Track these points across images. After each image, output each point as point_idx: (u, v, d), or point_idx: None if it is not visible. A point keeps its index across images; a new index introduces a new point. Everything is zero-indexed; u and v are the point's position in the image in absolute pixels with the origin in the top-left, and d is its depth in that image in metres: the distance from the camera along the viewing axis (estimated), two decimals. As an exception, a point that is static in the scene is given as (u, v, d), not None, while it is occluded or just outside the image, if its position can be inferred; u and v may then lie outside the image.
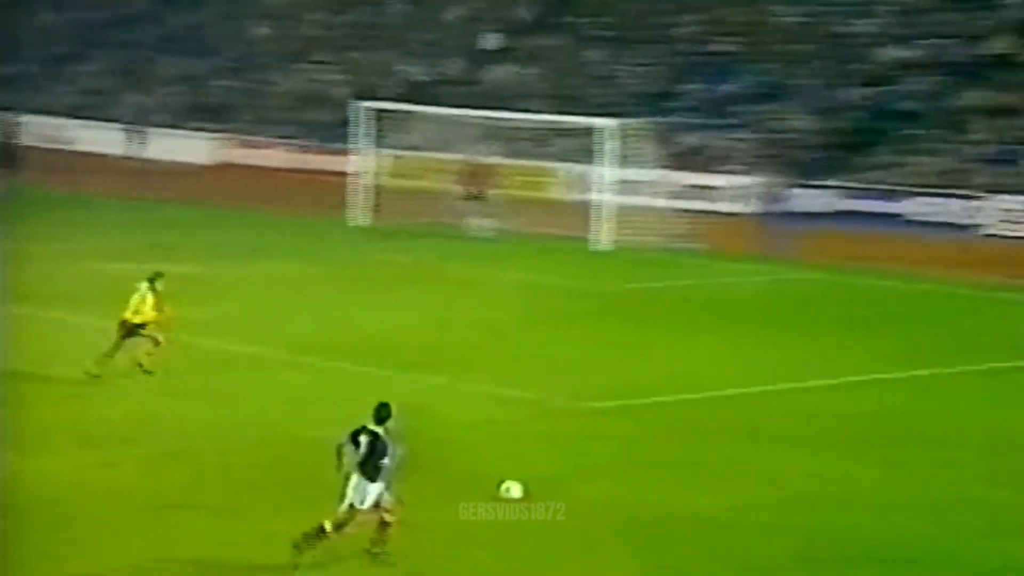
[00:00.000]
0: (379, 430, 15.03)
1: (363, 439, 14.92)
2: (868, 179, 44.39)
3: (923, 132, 45.05)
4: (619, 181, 41.03)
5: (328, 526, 14.90)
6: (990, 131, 44.00)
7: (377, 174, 43.74)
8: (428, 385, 22.47)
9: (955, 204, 41.74)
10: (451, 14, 60.47)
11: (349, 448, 14.93)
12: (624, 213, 39.01)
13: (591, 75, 53.59)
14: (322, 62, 60.99)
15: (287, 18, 64.19)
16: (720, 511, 17.54)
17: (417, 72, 57.72)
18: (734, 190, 45.47)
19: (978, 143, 43.84)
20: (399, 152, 47.55)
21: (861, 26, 49.63)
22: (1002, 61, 45.95)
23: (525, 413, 21.85)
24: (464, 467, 19.00)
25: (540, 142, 48.42)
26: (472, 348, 25.88)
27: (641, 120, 44.19)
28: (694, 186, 45.44)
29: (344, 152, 48.39)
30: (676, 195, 43.69)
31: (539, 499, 17.50)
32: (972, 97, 45.28)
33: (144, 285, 22.34)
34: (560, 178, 48.31)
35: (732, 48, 51.56)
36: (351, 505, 14.89)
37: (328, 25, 62.91)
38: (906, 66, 47.40)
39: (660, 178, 44.88)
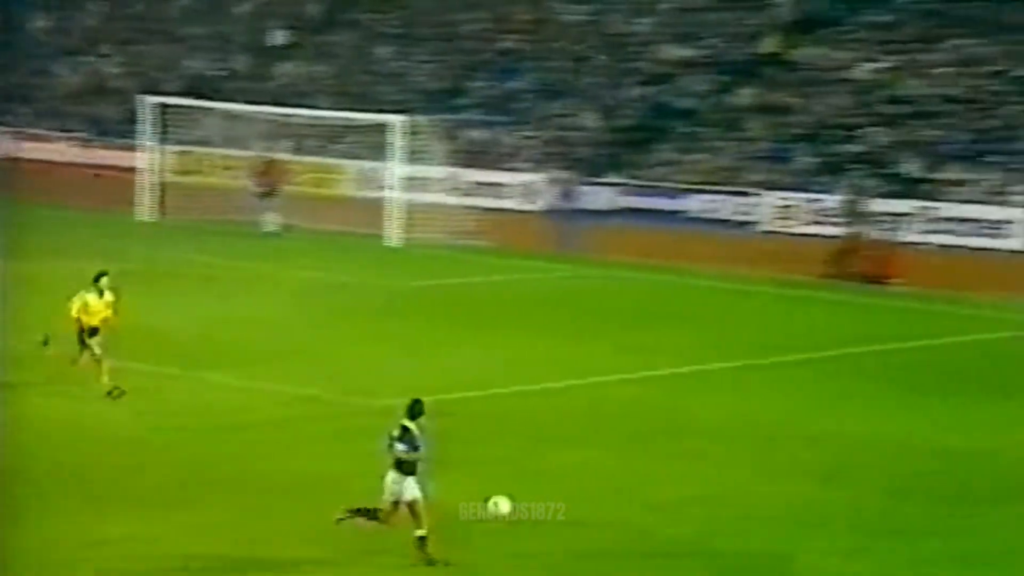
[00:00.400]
0: (412, 425, 15.98)
1: (397, 434, 15.92)
2: (651, 176, 45.42)
3: (701, 130, 46.28)
4: (409, 178, 41.28)
5: (382, 515, 15.70)
6: (764, 129, 45.41)
7: (163, 170, 43.28)
8: (213, 383, 22.42)
9: (732, 201, 42.97)
10: (238, 9, 59.99)
11: (387, 445, 15.92)
12: (414, 210, 39.26)
13: (379, 72, 53.72)
14: (106, 55, 59.96)
15: (68, 9, 62.89)
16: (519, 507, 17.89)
17: (203, 67, 57.14)
18: (522, 187, 46.06)
19: (753, 140, 45.21)
20: (186, 148, 47.05)
21: (641, 25, 50.73)
22: (774, 60, 47.45)
23: (314, 411, 21.97)
24: (250, 466, 19.09)
25: (330, 139, 48.42)
26: (260, 346, 25.85)
27: (429, 117, 44.58)
28: (482, 183, 45.88)
29: (130, 147, 47.72)
30: (465, 192, 44.14)
31: (325, 496, 17.68)
32: (746, 95, 46.66)
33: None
34: (350, 175, 48.38)
35: (518, 46, 52.19)
36: (395, 502, 15.75)
37: (111, 17, 61.87)
38: (684, 65, 48.60)
39: (449, 175, 45.33)
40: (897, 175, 42.35)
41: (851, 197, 41.31)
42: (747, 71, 47.66)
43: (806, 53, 47.14)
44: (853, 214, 40.54)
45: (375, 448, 20.10)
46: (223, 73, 56.64)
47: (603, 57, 50.22)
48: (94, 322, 21.90)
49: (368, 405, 22.39)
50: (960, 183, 41.16)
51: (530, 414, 22.34)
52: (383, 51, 54.74)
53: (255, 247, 37.32)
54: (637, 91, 48.68)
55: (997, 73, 43.36)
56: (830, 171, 42.96)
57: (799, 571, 16.28)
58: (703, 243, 39.16)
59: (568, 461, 19.90)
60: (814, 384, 24.35)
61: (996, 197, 40.28)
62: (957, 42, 44.92)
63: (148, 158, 42.21)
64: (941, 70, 44.21)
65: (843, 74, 45.79)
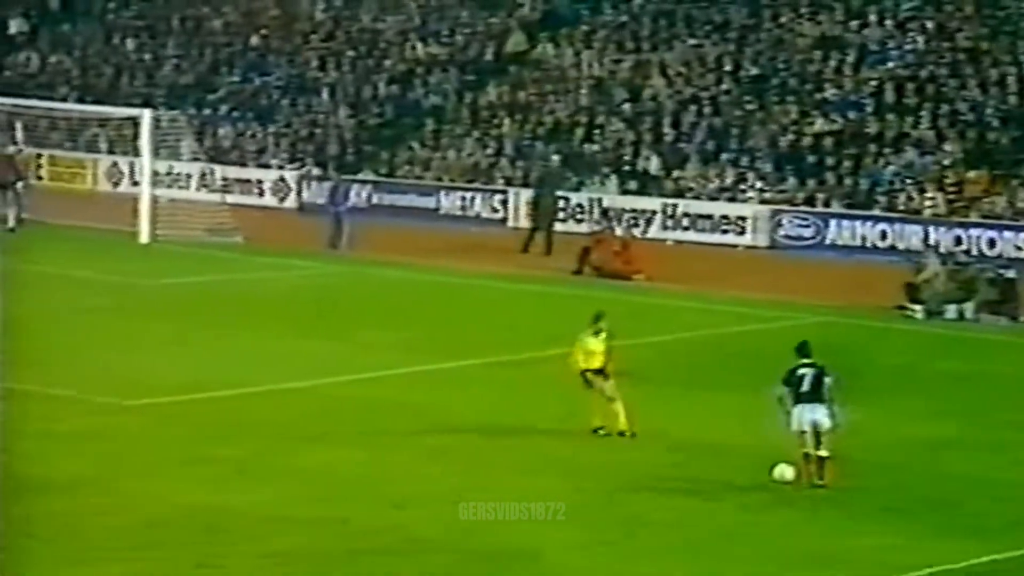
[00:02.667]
0: (813, 361, 18.72)
1: (804, 372, 18.67)
2: (404, 174, 45.77)
3: (450, 127, 46.83)
4: (157, 173, 40.82)
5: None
6: (511, 126, 46.16)
7: None
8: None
9: (483, 198, 43.57)
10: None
11: (783, 388, 18.75)
12: (164, 207, 38.88)
13: (122, 65, 52.86)
14: None
15: None
16: (259, 506, 18.11)
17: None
18: (272, 184, 45.93)
19: (500, 138, 45.95)
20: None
21: (389, 23, 51.04)
22: (519, 58, 48.26)
23: (64, 411, 21.87)
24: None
25: (74, 132, 47.48)
26: (6, 344, 25.36)
27: (177, 112, 44.11)
28: (233, 179, 45.58)
29: None
30: (215, 188, 43.82)
31: (85, 497, 17.61)
32: (493, 93, 47.38)
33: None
34: (97, 169, 47.55)
35: (265, 42, 51.97)
36: (810, 430, 18.60)
37: None
38: (432, 63, 49.09)
39: (199, 171, 44.94)
40: (638, 172, 43.55)
41: (596, 195, 42.45)
42: (493, 70, 48.38)
43: (549, 52, 48.06)
44: (598, 211, 41.67)
45: (126, 447, 20.11)
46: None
47: (352, 54, 50.36)
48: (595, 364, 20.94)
49: (118, 404, 22.29)
50: (698, 179, 42.52)
51: (277, 412, 22.51)
52: (126, 44, 53.85)
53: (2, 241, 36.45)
54: (385, 88, 48.96)
55: (729, 72, 44.88)
56: (575, 168, 43.93)
57: (546, 567, 16.81)
58: (455, 240, 39.69)
59: (315, 459, 20.14)
60: (555, 379, 25.01)
61: (729, 193, 41.73)
62: (692, 41, 46.34)
63: None
64: (676, 69, 45.55)
65: (584, 72, 46.81)
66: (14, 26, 55.86)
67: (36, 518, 17.08)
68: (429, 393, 23.99)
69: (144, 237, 38.20)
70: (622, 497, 19.15)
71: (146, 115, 39.85)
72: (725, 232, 40.75)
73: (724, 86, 44.59)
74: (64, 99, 49.02)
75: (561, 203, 41.06)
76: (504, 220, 43.07)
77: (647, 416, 22.03)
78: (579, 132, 45.15)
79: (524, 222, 41.79)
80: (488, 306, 31.98)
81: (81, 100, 48.86)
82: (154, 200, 38.89)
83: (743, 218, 40.77)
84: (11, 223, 38.43)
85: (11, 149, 41.35)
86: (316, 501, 18.51)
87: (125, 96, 49.45)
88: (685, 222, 41.31)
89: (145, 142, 39.46)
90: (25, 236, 37.10)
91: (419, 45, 49.80)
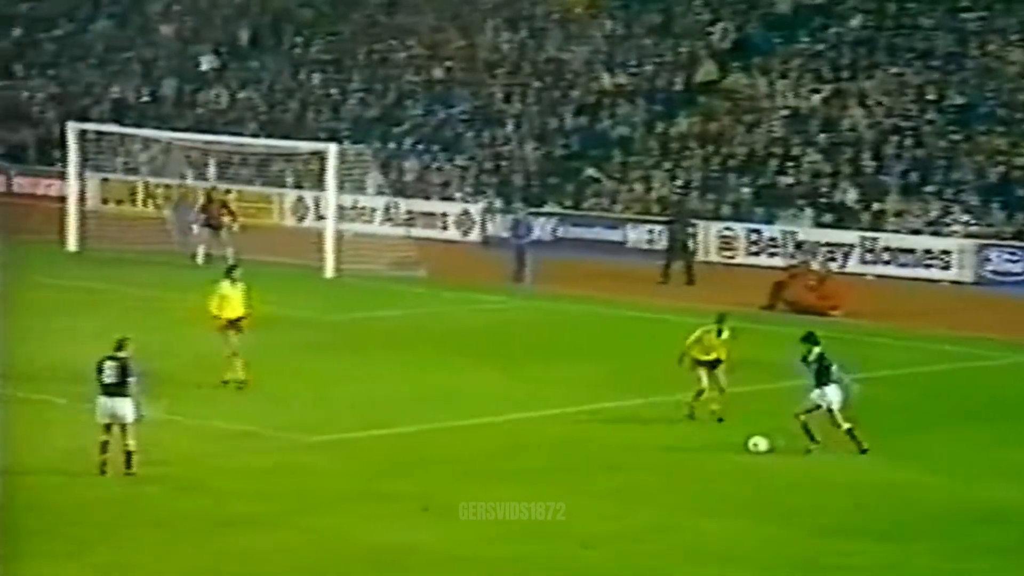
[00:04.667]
0: (817, 348, 22.47)
1: (812, 357, 22.40)
2: (590, 206, 45.98)
3: (638, 159, 46.92)
4: (342, 208, 41.59)
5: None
6: (701, 158, 46.10)
7: (87, 198, 43.42)
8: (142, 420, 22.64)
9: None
10: (163, 32, 60.15)
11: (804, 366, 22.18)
12: (348, 241, 39.44)
13: (308, 100, 54.02)
14: (25, 78, 59.90)
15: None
16: (442, 544, 18.32)
17: (127, 91, 57.27)
18: (456, 217, 46.37)
19: (690, 170, 45.90)
20: (111, 175, 47.21)
21: (576, 54, 51.36)
22: (709, 88, 48.18)
23: (248, 447, 22.29)
24: (186, 504, 19.39)
25: (261, 167, 48.70)
26: (191, 380, 26.09)
27: (362, 146, 45.00)
28: (417, 213, 46.15)
29: (51, 174, 47.81)
30: (400, 222, 44.49)
31: (267, 534, 18.06)
32: (683, 124, 47.37)
33: None
34: (283, 204, 48.63)
35: (450, 74, 52.61)
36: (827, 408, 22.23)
37: (31, 40, 61.80)
38: (620, 94, 49.26)
39: (384, 205, 45.75)
40: (834, 204, 43.14)
41: (790, 228, 42.14)
42: (683, 100, 48.38)
43: (741, 81, 47.92)
44: (792, 245, 41.35)
45: (307, 484, 20.55)
46: (148, 98, 56.77)
47: (537, 84, 50.78)
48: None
49: (301, 441, 22.77)
50: (899, 213, 41.99)
51: (461, 449, 22.72)
52: (313, 78, 55.06)
53: (180, 277, 37.51)
54: (572, 119, 49.27)
55: (932, 102, 44.30)
56: (768, 201, 43.70)
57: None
58: (642, 273, 39.68)
59: (499, 497, 20.29)
60: (747, 419, 24.88)
61: (933, 227, 41.12)
62: (894, 70, 45.86)
63: (71, 186, 42.30)
64: (876, 98, 45.10)
65: (779, 102, 46.58)
66: (205, 63, 57.52)
67: (223, 554, 17.54)
68: (614, 430, 24.04)
69: (329, 272, 38.92)
70: (813, 540, 18.98)
71: (332, 149, 40.55)
72: (928, 267, 40.15)
73: (928, 116, 43.98)
74: (252, 134, 50.30)
75: (725, 232, 40.92)
76: (693, 253, 42.91)
77: (840, 457, 21.78)
78: (772, 164, 44.90)
79: (715, 256, 41.66)
80: (675, 341, 31.88)
81: (268, 135, 50.10)
82: (339, 234, 39.54)
83: (947, 252, 40.14)
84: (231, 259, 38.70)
85: (214, 187, 42.02)
86: (500, 540, 18.66)
87: (311, 130, 50.57)
88: (885, 256, 40.79)
89: (330, 176, 40.13)
90: (214, 272, 37.90)
91: (606, 75, 50.05)
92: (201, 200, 40.96)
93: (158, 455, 21.22)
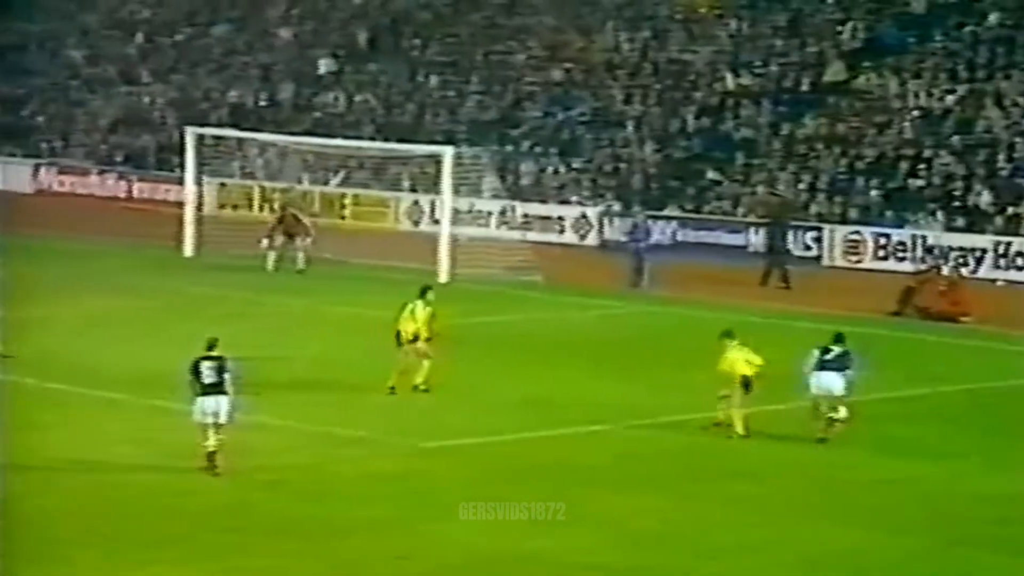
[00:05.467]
0: (837, 348, 23.17)
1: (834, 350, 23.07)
2: (711, 209, 45.64)
3: (761, 161, 46.47)
4: (458, 211, 41.63)
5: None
6: (828, 160, 45.53)
7: (205, 203, 43.88)
8: (255, 424, 22.60)
9: (796, 235, 42.94)
10: (280, 37, 60.71)
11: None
12: (463, 245, 39.43)
13: (426, 102, 54.19)
14: (145, 84, 60.79)
15: (106, 38, 63.74)
16: (557, 553, 18.17)
17: (245, 96, 57.88)
18: (573, 221, 46.24)
19: (816, 172, 45.35)
20: (227, 180, 47.69)
21: (699, 54, 51.00)
22: (838, 88, 47.60)
23: (363, 453, 22.32)
24: (299, 511, 19.42)
25: (376, 171, 48.93)
26: (304, 385, 26.20)
27: (479, 149, 45.03)
28: (533, 216, 46.11)
29: (170, 180, 48.40)
30: (516, 226, 44.47)
31: (385, 540, 18.04)
32: (810, 126, 46.83)
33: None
34: (399, 208, 48.83)
35: (572, 75, 52.48)
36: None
37: (150, 46, 62.70)
38: (744, 94, 48.84)
39: (500, 208, 45.75)
40: (968, 208, 42.39)
41: (920, 232, 41.45)
42: (809, 101, 47.85)
43: (872, 81, 47.29)
44: (922, 249, 40.65)
45: (423, 490, 20.52)
46: (265, 103, 57.31)
47: (658, 86, 50.52)
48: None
49: (415, 446, 22.74)
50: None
51: (577, 456, 22.55)
52: (430, 81, 55.23)
53: (297, 283, 37.76)
54: (694, 121, 48.94)
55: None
56: (897, 204, 43.05)
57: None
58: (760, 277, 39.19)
59: (615, 506, 20.10)
60: (874, 427, 24.46)
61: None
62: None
63: (188, 191, 42.78)
64: (1014, 98, 44.26)
65: (911, 103, 45.91)
66: (323, 66, 57.96)
67: (343, 561, 17.54)
68: (734, 438, 23.71)
69: (443, 276, 38.96)
70: (943, 552, 18.56)
71: (448, 152, 40.53)
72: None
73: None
74: (368, 138, 50.55)
75: (814, 236, 40.39)
76: (818, 258, 42.44)
77: (977, 468, 21.31)
78: (903, 166, 44.22)
79: (841, 261, 41.08)
80: (796, 346, 31.46)
81: (384, 139, 50.33)
82: (454, 238, 39.52)
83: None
84: (300, 264, 39.45)
85: (318, 189, 42.00)
86: (617, 549, 18.46)
87: (427, 133, 50.74)
88: (1020, 261, 39.96)
89: (446, 180, 40.12)
90: (326, 276, 38.30)
91: (730, 76, 49.64)
92: (276, 215, 40.91)
93: (272, 460, 21.28)
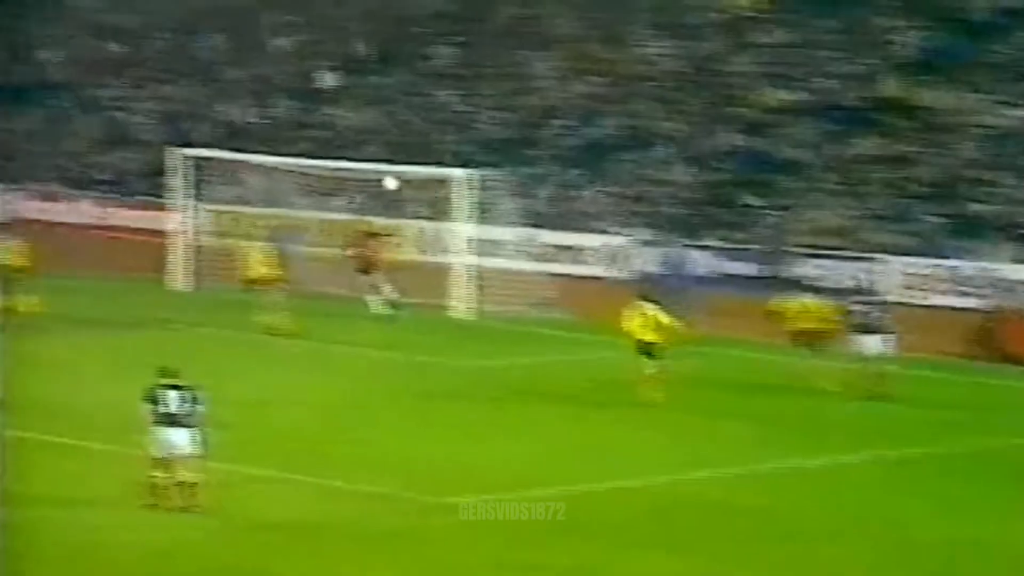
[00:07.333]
0: None
1: None
2: (751, 238, 45.72)
3: (807, 184, 46.60)
4: (475, 240, 41.67)
5: None
6: (881, 183, 45.66)
7: (198, 231, 43.97)
8: (249, 477, 22.76)
9: (848, 267, 43.05)
10: (277, 46, 60.92)
11: None
12: (483, 276, 39.44)
13: (440, 119, 54.36)
14: (125, 98, 61.00)
15: (79, 46, 63.73)
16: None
17: (238, 112, 58.10)
18: (604, 250, 46.42)
19: (868, 197, 45.48)
20: (223, 206, 47.72)
21: (738, 66, 51.16)
22: (894, 105, 47.74)
23: (375, 509, 22.41)
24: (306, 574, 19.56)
25: (383, 196, 49.00)
26: (307, 434, 26.22)
27: (498, 171, 45.12)
28: (558, 246, 46.27)
29: (158, 206, 48.54)
30: (540, 256, 44.45)
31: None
32: (861, 145, 46.99)
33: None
34: (408, 236, 48.86)
35: (598, 90, 52.63)
36: None
37: (132, 56, 62.88)
38: (789, 111, 49.02)
39: (520, 237, 45.75)
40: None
41: (988, 264, 41.48)
42: (862, 118, 48.02)
43: (930, 97, 47.47)
44: (990, 283, 40.72)
45: (446, 555, 20.55)
46: (260, 119, 57.55)
47: (695, 101, 50.67)
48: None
49: (436, 502, 22.81)
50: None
51: (615, 513, 22.65)
52: (442, 95, 55.41)
53: (306, 319, 37.83)
54: (734, 140, 49.12)
55: None
56: (959, 232, 43.18)
57: None
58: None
59: (654, 568, 20.14)
60: (940, 482, 24.58)
61: None
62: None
63: (180, 218, 42.88)
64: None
65: (973, 120, 46.08)
66: (323, 80, 57.99)
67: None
68: (783, 494, 23.81)
69: (458, 312, 38.96)
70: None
71: (463, 175, 40.61)
72: None
73: None
74: (373, 158, 50.61)
75: (909, 269, 40.45)
76: (871, 292, 42.47)
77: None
78: (964, 190, 44.39)
79: (896, 295, 41.20)
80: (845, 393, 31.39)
81: (390, 160, 50.41)
82: (470, 270, 39.56)
83: None
84: (381, 306, 38.33)
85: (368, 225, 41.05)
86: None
87: (440, 153, 50.79)
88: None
89: (459, 205, 40.20)
90: (332, 313, 38.10)
91: (772, 91, 49.85)
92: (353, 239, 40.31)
93: (274, 515, 21.39)
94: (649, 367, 28.88)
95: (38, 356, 29.95)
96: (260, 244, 38.74)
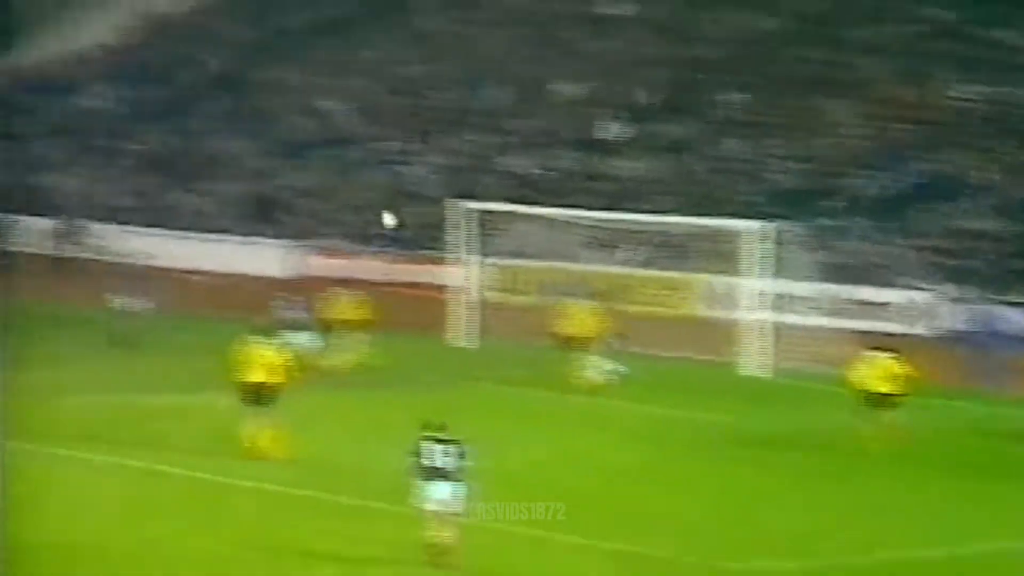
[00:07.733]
0: None
1: None
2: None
3: None
4: (768, 295, 40.94)
5: None
6: None
7: (482, 286, 43.86)
8: (532, 538, 22.56)
9: None
10: (560, 97, 60.81)
11: None
12: (775, 333, 38.90)
13: (730, 169, 53.53)
14: (408, 152, 61.39)
15: (365, 99, 64.34)
16: None
17: (522, 165, 58.11)
18: (908, 307, 45.26)
19: None
20: (506, 261, 47.38)
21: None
22: None
23: (653, 573, 22.14)
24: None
25: (672, 248, 48.33)
26: (589, 495, 26.03)
27: (793, 223, 44.19)
28: (859, 301, 45.30)
29: (442, 260, 48.50)
30: (838, 312, 43.19)
31: None
32: None
33: None
34: (696, 291, 48.18)
35: (903, 135, 51.08)
36: None
37: (415, 109, 63.29)
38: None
39: (815, 292, 44.87)
40: None
41: None
42: None
43: None
44: None
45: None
46: (544, 172, 57.38)
47: (1010, 146, 49.07)
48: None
49: (722, 568, 22.10)
50: None
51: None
52: (733, 144, 54.74)
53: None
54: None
55: None
56: None
57: None
58: None
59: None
60: None
61: None
62: None
63: (464, 273, 42.85)
64: None
65: None
66: (610, 131, 57.80)
67: None
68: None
69: (749, 368, 38.02)
70: None
71: (756, 227, 40.19)
72: None
73: None
74: (661, 211, 50.02)
75: None
76: None
77: None
78: None
79: None
80: None
81: (681, 211, 49.81)
82: (763, 326, 38.92)
83: None
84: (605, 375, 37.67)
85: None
86: None
87: (732, 204, 50.06)
88: None
89: (755, 258, 39.71)
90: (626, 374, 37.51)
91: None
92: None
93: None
94: (881, 418, 28.98)
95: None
96: (578, 299, 38.49)
